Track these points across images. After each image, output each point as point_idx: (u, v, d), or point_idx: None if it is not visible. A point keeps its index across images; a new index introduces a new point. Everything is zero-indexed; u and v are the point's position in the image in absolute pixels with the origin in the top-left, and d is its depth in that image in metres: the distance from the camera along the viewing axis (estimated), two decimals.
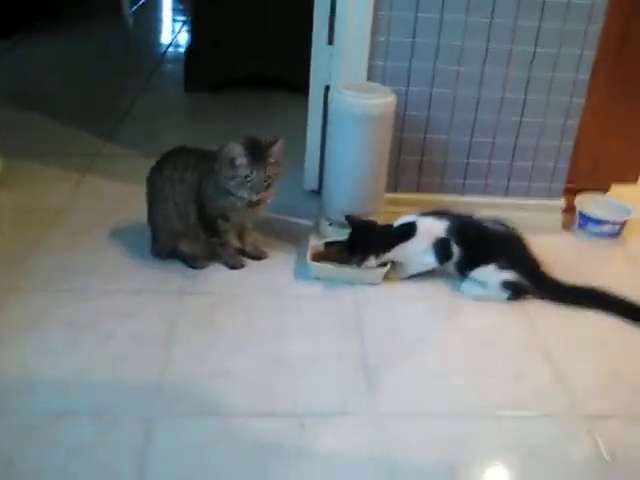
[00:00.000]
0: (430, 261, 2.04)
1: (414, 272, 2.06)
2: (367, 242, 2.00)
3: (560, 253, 2.28)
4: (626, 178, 2.51)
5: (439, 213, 2.06)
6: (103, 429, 1.50)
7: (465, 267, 2.03)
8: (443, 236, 2.01)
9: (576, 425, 1.61)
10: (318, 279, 2.04)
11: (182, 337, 1.79)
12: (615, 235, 2.38)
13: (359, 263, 2.00)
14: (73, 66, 3.92)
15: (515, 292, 2.01)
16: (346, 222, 2.05)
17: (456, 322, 1.94)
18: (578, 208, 2.40)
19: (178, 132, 3.22)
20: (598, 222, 2.36)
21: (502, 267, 2.00)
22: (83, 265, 2.05)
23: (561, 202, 2.40)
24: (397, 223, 2.05)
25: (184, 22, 4.75)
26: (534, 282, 2.01)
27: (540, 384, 1.72)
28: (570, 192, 2.43)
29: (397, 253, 2.02)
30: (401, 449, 1.51)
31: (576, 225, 2.42)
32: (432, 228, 2.03)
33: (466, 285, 2.04)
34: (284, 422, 1.55)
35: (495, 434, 1.57)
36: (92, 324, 1.81)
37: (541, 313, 1.99)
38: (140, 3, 5.23)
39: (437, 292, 2.05)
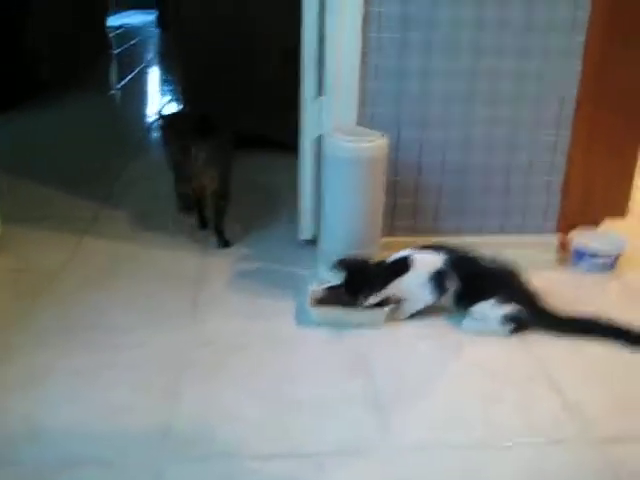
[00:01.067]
0: (428, 295, 2.04)
1: (413, 311, 2.07)
2: (363, 281, 2.01)
3: (557, 288, 2.29)
4: (615, 212, 2.54)
5: (436, 247, 2.08)
6: (111, 477, 1.48)
7: (464, 301, 2.05)
8: (441, 268, 2.02)
9: (589, 450, 1.59)
10: (320, 325, 2.04)
11: (187, 386, 1.78)
12: (610, 267, 2.40)
13: (359, 303, 2.00)
14: (67, 136, 4.01)
15: (516, 325, 2.01)
16: (338, 268, 2.05)
17: (461, 357, 1.94)
18: (572, 242, 2.42)
19: (169, 193, 3.24)
20: (592, 256, 2.38)
21: (502, 301, 2.01)
22: (84, 321, 2.05)
23: (555, 238, 2.43)
24: (390, 259, 2.07)
25: (172, 92, 4.86)
26: (534, 314, 2.03)
27: (550, 412, 1.71)
28: (564, 228, 2.46)
29: (394, 289, 2.02)
30: None
31: (572, 260, 2.44)
32: (429, 261, 2.04)
33: (467, 322, 2.05)
34: (298, 463, 1.53)
35: (509, 462, 1.56)
36: (95, 376, 1.80)
37: (542, 344, 1.99)
38: (129, 77, 5.36)
39: (440, 330, 2.05)
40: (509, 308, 2.01)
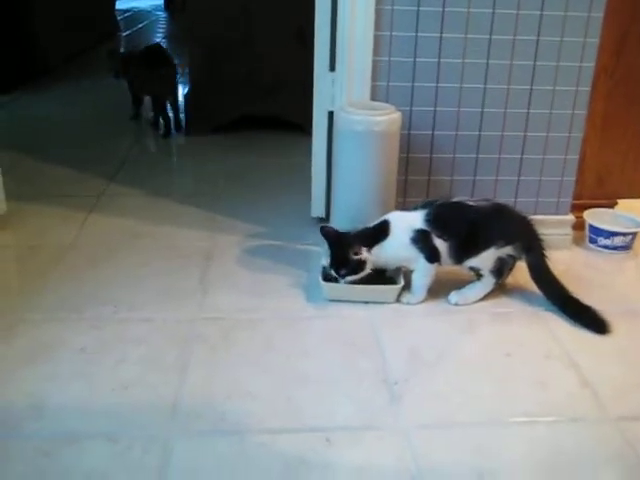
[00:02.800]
0: (420, 260, 1.96)
1: (421, 288, 2.01)
2: (342, 253, 1.95)
3: (572, 267, 2.28)
4: (631, 192, 2.50)
5: (422, 205, 2.00)
6: (119, 452, 1.44)
7: (464, 257, 1.98)
8: (421, 228, 1.95)
9: (607, 428, 1.56)
10: (332, 301, 2.01)
11: (196, 360, 1.75)
12: (627, 247, 2.36)
13: (342, 275, 1.96)
14: (74, 116, 4.02)
15: (499, 276, 2.01)
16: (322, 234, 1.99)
17: (475, 335, 1.91)
18: (588, 221, 2.38)
19: (178, 171, 3.25)
20: (609, 234, 2.34)
21: (501, 246, 1.97)
22: (92, 296, 2.03)
23: (570, 217, 2.39)
24: (371, 224, 2.00)
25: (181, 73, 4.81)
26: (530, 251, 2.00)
27: (566, 390, 1.68)
28: (578, 208, 2.42)
29: (379, 254, 1.96)
30: (429, 459, 1.45)
31: (587, 239, 2.40)
32: (407, 221, 1.96)
33: (453, 296, 2.01)
34: (308, 438, 1.50)
35: (525, 440, 1.52)
36: (103, 351, 1.77)
37: (559, 322, 1.96)
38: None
39: (452, 307, 2.01)
40: (494, 254, 1.97)
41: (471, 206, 1.99)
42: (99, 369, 1.70)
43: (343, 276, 1.96)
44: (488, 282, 2.01)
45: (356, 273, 1.95)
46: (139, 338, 1.83)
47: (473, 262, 1.98)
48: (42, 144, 3.45)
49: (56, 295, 2.03)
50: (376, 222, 1.99)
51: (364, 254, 1.94)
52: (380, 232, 1.96)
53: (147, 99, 3.84)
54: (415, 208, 2.01)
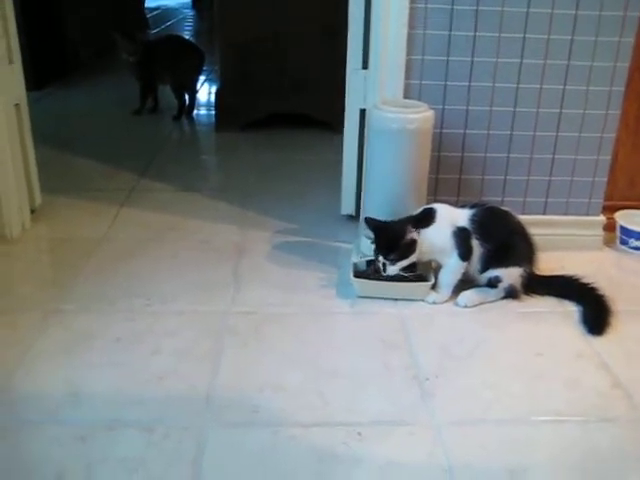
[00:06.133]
0: (454, 256, 1.97)
1: (451, 284, 2.02)
2: (391, 237, 1.95)
3: (602, 268, 2.27)
4: None
5: (469, 205, 2.03)
6: (154, 441, 1.47)
7: (490, 264, 1.99)
8: (464, 226, 1.97)
9: (639, 428, 1.55)
10: (362, 297, 2.02)
11: (228, 353, 1.77)
12: None
13: (392, 261, 1.95)
14: (105, 112, 4.09)
15: (511, 295, 2.03)
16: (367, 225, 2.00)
17: (505, 333, 1.91)
18: (619, 223, 2.37)
19: (209, 167, 3.29)
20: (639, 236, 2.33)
21: (524, 269, 2.00)
22: (125, 288, 2.05)
23: (601, 218, 2.38)
24: (415, 212, 2.01)
25: (209, 72, 4.86)
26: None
27: (597, 390, 1.67)
28: (609, 210, 2.41)
29: (422, 240, 1.95)
30: (460, 455, 1.46)
31: (617, 241, 2.39)
32: (453, 216, 1.99)
33: (461, 298, 2.01)
34: (340, 432, 1.51)
35: (556, 438, 1.52)
36: (137, 342, 1.80)
37: None
38: None
39: (482, 305, 2.01)
40: (517, 273, 1.99)
41: (515, 218, 2.03)
42: (134, 359, 1.73)
43: (394, 261, 1.95)
44: (499, 293, 2.03)
45: (406, 257, 1.94)
46: (172, 330, 1.85)
47: (499, 272, 1.99)
48: (74, 139, 3.51)
49: (90, 287, 2.06)
50: (420, 210, 2.01)
51: (415, 234, 1.93)
52: (425, 219, 1.97)
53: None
54: (463, 206, 2.03)
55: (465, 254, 1.96)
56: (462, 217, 1.98)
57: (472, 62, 2.16)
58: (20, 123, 2.36)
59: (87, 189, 2.81)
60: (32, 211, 2.47)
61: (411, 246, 1.93)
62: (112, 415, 1.54)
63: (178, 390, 1.62)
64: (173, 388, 1.63)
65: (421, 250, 1.96)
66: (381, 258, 1.95)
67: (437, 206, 2.01)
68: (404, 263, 1.95)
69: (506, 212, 2.05)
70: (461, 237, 1.96)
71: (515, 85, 2.19)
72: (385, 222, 1.98)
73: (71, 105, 4.21)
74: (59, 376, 1.66)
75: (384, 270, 1.96)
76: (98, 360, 1.73)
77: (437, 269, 2.05)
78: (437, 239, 1.96)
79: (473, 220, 1.97)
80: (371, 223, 1.98)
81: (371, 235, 2.01)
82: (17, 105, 2.33)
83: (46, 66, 4.40)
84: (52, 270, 2.23)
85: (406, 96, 2.18)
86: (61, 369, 1.69)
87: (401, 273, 1.97)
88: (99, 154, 3.22)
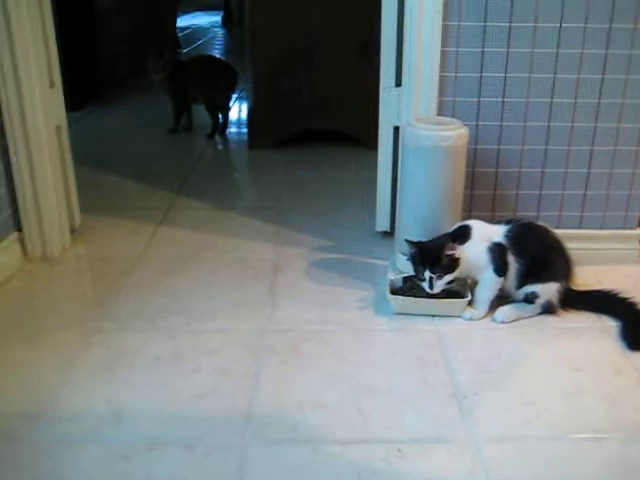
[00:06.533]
0: (490, 271, 1.97)
1: (487, 300, 2.02)
2: (431, 254, 1.95)
3: (639, 282, 2.25)
4: None
5: (505, 221, 2.04)
6: (195, 459, 1.49)
7: (527, 280, 1.99)
8: (499, 241, 1.97)
9: None
10: (399, 314, 2.03)
11: (268, 370, 1.79)
12: None
13: (436, 277, 1.95)
14: (141, 131, 4.16)
15: (549, 311, 2.02)
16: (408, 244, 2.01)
17: (543, 349, 1.90)
18: None
19: (242, 185, 3.33)
20: None
21: (561, 284, 1.99)
22: (164, 306, 2.09)
23: (638, 231, 2.36)
24: (451, 228, 2.03)
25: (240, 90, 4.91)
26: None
27: (638, 406, 1.66)
28: None
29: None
30: (500, 473, 1.46)
31: None
32: (488, 232, 1.99)
33: (498, 314, 2.01)
34: (379, 449, 1.52)
35: (595, 455, 1.51)
36: (177, 360, 1.83)
37: None
38: None
39: (519, 322, 2.01)
40: (554, 289, 1.99)
41: (551, 233, 2.03)
42: (174, 378, 1.75)
43: (439, 277, 1.95)
44: (536, 309, 2.02)
45: (451, 271, 1.95)
46: (212, 348, 1.88)
47: (535, 288, 1.99)
48: (111, 158, 3.57)
49: (129, 305, 2.10)
50: (455, 227, 2.02)
51: (458, 250, 1.94)
52: (461, 235, 1.98)
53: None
54: (498, 222, 2.03)
55: (501, 269, 1.96)
56: (497, 233, 1.99)
57: (505, 78, 2.17)
58: (61, 145, 2.42)
59: (125, 208, 2.86)
60: (72, 231, 2.51)
61: (456, 260, 1.94)
62: (153, 433, 1.57)
63: (218, 408, 1.64)
64: (213, 406, 1.65)
65: (460, 266, 1.97)
66: (427, 273, 1.95)
67: (472, 222, 2.02)
68: (450, 277, 1.96)
69: (542, 227, 2.04)
70: (496, 252, 1.96)
71: (549, 100, 2.19)
72: (425, 242, 1.99)
73: (107, 125, 4.29)
74: (100, 395, 1.69)
75: (430, 287, 1.96)
76: (139, 378, 1.75)
77: (473, 286, 2.05)
78: (473, 255, 1.96)
79: (508, 236, 1.97)
80: (413, 243, 1.99)
81: (407, 252, 2.02)
82: (58, 127, 2.39)
83: (83, 86, 4.48)
84: (92, 289, 2.27)
85: (440, 113, 2.19)
86: (102, 388, 1.72)
87: (444, 288, 1.98)
88: (136, 173, 3.28)
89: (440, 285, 1.96)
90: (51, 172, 2.32)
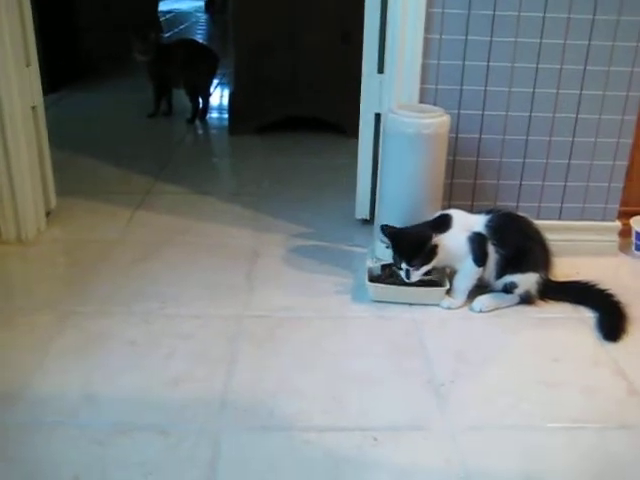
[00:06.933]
0: (469, 261, 1.96)
1: (466, 289, 2.01)
2: (414, 243, 1.93)
3: (618, 274, 2.28)
4: None
5: (485, 211, 2.03)
6: (170, 444, 1.47)
7: (502, 274, 1.99)
8: (480, 231, 1.96)
9: None
10: (377, 301, 2.02)
11: (243, 356, 1.77)
12: None
13: (416, 267, 1.93)
14: (119, 115, 4.10)
15: (527, 301, 2.02)
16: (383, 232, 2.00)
17: (521, 339, 1.90)
18: (635, 229, 2.36)
19: (222, 171, 3.30)
20: None
21: (540, 275, 1.99)
22: (139, 291, 2.06)
23: (617, 224, 2.36)
24: (431, 217, 2.01)
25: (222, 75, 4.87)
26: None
27: (615, 397, 1.66)
28: (625, 215, 2.40)
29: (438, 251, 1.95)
30: (476, 461, 1.45)
31: (633, 247, 2.38)
32: (469, 222, 1.99)
33: (476, 304, 2.00)
34: (355, 436, 1.51)
35: (572, 445, 1.51)
36: (152, 344, 1.80)
37: None
38: None
39: (497, 311, 2.01)
40: (533, 279, 1.99)
41: (531, 223, 2.02)
42: (149, 362, 1.73)
43: (416, 267, 1.94)
44: (514, 299, 2.02)
45: (429, 262, 1.94)
46: (187, 333, 1.85)
47: (514, 278, 1.98)
48: (89, 141, 3.51)
49: (105, 289, 2.07)
50: (435, 216, 2.01)
51: (436, 239, 1.92)
52: (441, 224, 1.97)
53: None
54: (479, 212, 2.03)
55: (480, 259, 1.96)
56: (478, 223, 1.98)
57: (488, 67, 2.16)
58: (37, 125, 2.37)
59: (102, 192, 2.82)
60: (47, 213, 2.48)
61: (433, 251, 1.93)
62: (128, 418, 1.54)
63: (193, 394, 1.62)
64: (188, 392, 1.63)
65: (438, 256, 1.96)
66: (404, 265, 1.94)
67: (453, 212, 2.01)
68: (427, 268, 1.95)
69: (522, 218, 2.04)
70: (477, 242, 1.95)
71: (531, 90, 2.19)
72: (402, 229, 1.97)
73: (86, 108, 4.23)
74: (74, 378, 1.66)
75: (407, 277, 1.95)
76: (113, 363, 1.73)
77: (452, 274, 2.04)
78: (453, 245, 1.95)
79: (489, 226, 1.97)
80: (388, 230, 1.97)
81: (386, 240, 2.01)
82: (34, 107, 2.34)
83: (61, 69, 4.42)
84: (67, 272, 2.24)
85: (422, 100, 2.18)
86: (76, 371, 1.69)
87: (422, 278, 1.97)
88: (113, 156, 3.23)
89: (417, 275, 1.95)
90: (26, 153, 2.28)
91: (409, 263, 1.93)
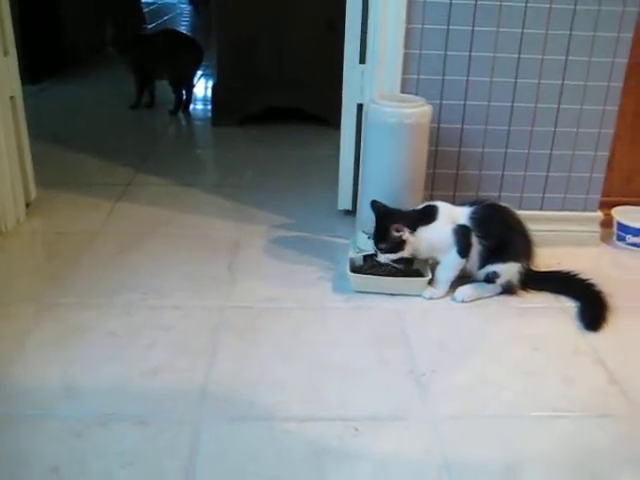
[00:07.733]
0: (453, 252, 1.97)
1: (448, 280, 2.01)
2: (386, 229, 1.94)
3: (599, 265, 2.28)
4: None
5: (472, 202, 2.03)
6: (149, 435, 1.46)
7: (489, 260, 1.99)
8: (465, 223, 1.97)
9: (635, 425, 1.55)
10: (359, 292, 2.01)
11: (224, 347, 1.76)
12: None
13: (381, 250, 1.96)
14: (100, 107, 4.08)
15: (509, 291, 2.03)
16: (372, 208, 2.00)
17: (502, 328, 1.91)
18: (616, 219, 2.37)
19: (205, 162, 3.28)
20: (638, 232, 2.33)
21: (522, 265, 2.00)
22: (121, 282, 2.04)
23: (598, 214, 2.37)
24: (418, 207, 2.02)
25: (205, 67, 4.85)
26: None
27: (594, 386, 1.67)
28: (606, 206, 2.41)
29: (421, 237, 1.96)
30: (456, 451, 1.45)
31: (614, 237, 2.39)
32: (454, 214, 1.99)
33: (458, 294, 2.01)
34: (336, 426, 1.50)
35: (552, 434, 1.51)
36: (133, 336, 1.79)
37: None
38: None
39: (478, 301, 2.01)
40: (515, 269, 1.99)
41: (514, 214, 2.03)
42: (129, 353, 1.72)
43: (382, 251, 1.96)
44: (496, 289, 2.03)
45: (394, 252, 1.95)
46: (168, 325, 1.84)
47: (496, 268, 1.99)
48: (70, 133, 3.49)
49: (85, 281, 2.05)
50: (423, 206, 2.02)
51: (406, 234, 1.93)
52: (427, 215, 1.98)
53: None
54: (462, 204, 2.03)
55: (464, 251, 1.96)
56: (462, 215, 1.98)
57: (470, 57, 2.16)
58: (15, 116, 2.35)
59: (83, 183, 2.80)
60: (27, 205, 2.46)
61: (400, 244, 1.94)
62: (107, 409, 1.53)
63: (173, 384, 1.62)
64: (168, 382, 1.62)
65: (420, 247, 1.97)
66: (374, 244, 1.98)
67: (439, 204, 2.01)
68: (392, 257, 1.97)
69: (505, 208, 2.04)
70: (462, 234, 1.95)
71: (513, 80, 2.19)
72: (388, 210, 1.98)
73: (67, 99, 4.20)
74: (54, 370, 1.65)
75: (376, 255, 1.98)
76: (93, 354, 1.72)
77: (434, 265, 2.04)
78: (438, 236, 1.96)
79: (473, 217, 1.97)
80: (376, 205, 1.98)
81: (368, 230, 2.01)
82: (12, 98, 2.32)
83: (42, 60, 4.38)
84: (47, 264, 2.22)
85: (403, 91, 2.18)
86: (56, 363, 1.68)
87: (393, 265, 1.98)
88: (95, 148, 3.21)
89: (385, 258, 1.97)
90: (4, 143, 2.26)
91: (376, 244, 1.96)
